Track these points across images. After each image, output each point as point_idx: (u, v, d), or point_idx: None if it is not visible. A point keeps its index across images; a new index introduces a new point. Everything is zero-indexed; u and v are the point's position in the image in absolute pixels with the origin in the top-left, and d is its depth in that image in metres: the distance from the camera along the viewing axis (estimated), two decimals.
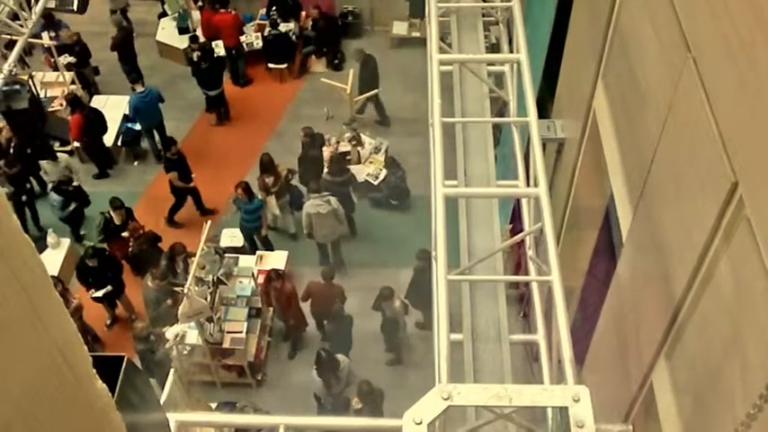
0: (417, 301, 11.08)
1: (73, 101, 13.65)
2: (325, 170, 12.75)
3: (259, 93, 15.85)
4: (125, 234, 11.93)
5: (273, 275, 11.22)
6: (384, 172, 13.62)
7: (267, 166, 12.62)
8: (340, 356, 10.46)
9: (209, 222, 10.86)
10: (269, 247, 12.62)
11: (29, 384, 1.99)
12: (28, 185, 13.14)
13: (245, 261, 11.88)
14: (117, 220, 11.88)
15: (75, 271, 11.69)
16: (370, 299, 11.04)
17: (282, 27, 16.03)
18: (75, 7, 15.90)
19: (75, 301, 10.85)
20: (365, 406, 9.94)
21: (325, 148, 13.61)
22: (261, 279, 11.65)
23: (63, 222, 12.89)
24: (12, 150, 13.11)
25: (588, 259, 7.87)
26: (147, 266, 11.29)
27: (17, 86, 13.53)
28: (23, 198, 12.79)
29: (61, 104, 14.60)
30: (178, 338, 10.37)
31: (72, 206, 12.65)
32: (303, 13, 16.46)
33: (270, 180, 12.52)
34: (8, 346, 1.87)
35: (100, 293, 11.44)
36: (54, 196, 12.59)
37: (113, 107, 14.64)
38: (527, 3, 9.73)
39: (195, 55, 14.38)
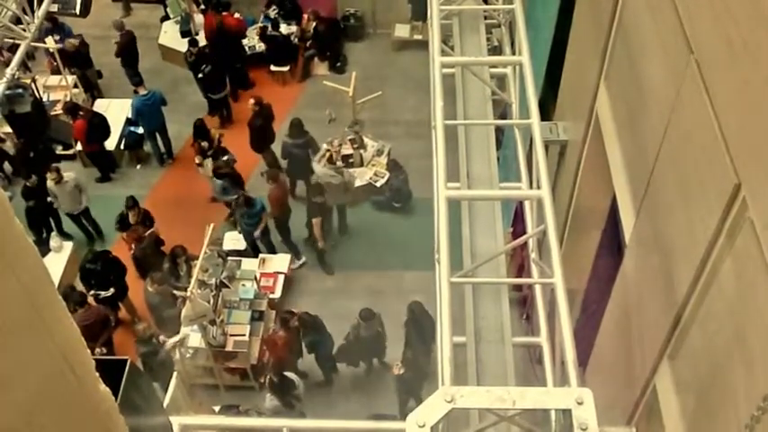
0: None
1: (71, 109, 13.65)
2: (286, 133, 13.17)
3: (261, 96, 15.85)
4: (124, 237, 12.03)
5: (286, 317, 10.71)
6: (386, 175, 13.62)
7: (201, 130, 13.35)
8: (292, 376, 10.21)
9: (212, 225, 10.87)
10: (271, 250, 12.64)
11: (33, 388, 1.99)
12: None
13: (248, 264, 11.90)
14: (131, 219, 11.90)
15: (79, 272, 11.71)
16: (372, 302, 11.02)
17: (284, 29, 16.04)
18: (77, 11, 15.92)
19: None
20: (407, 372, 9.81)
21: (326, 147, 13.73)
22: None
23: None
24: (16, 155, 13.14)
25: (591, 261, 7.87)
26: (150, 270, 11.32)
27: (20, 90, 13.56)
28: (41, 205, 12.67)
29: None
30: (178, 343, 10.37)
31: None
32: (305, 17, 16.47)
33: (205, 144, 13.20)
34: (12, 351, 1.88)
35: (102, 294, 11.45)
36: (216, 182, 12.69)
37: (116, 110, 14.66)
38: (529, 5, 9.72)
39: (192, 57, 14.49)
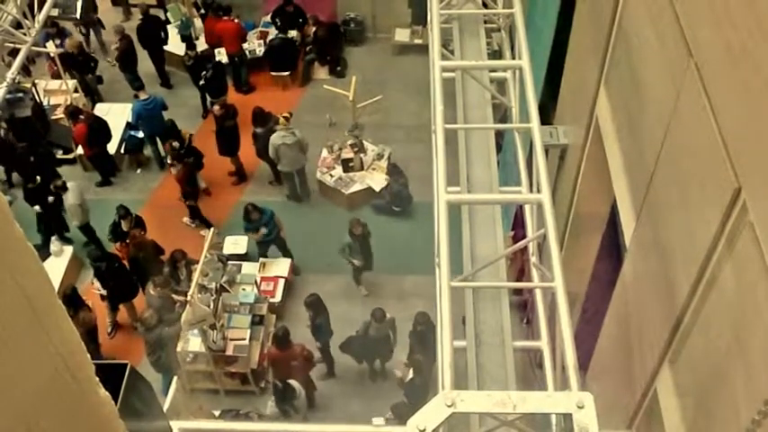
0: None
1: (72, 113, 13.66)
2: (253, 124, 13.50)
3: (262, 100, 15.83)
4: (117, 248, 12.14)
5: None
6: (387, 179, 13.63)
7: (172, 131, 13.70)
8: (295, 384, 10.09)
9: (212, 230, 10.87)
10: (287, 253, 12.64)
11: (33, 393, 1.99)
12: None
13: (248, 268, 11.90)
14: (124, 227, 11.93)
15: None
16: (372, 305, 11.00)
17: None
18: (78, 15, 15.95)
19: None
20: (417, 376, 9.71)
21: (326, 154, 13.76)
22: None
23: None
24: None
25: (592, 265, 7.87)
26: (148, 274, 11.31)
27: (20, 94, 13.60)
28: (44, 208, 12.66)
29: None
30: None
31: None
32: (309, 22, 16.50)
33: (176, 144, 13.30)
34: (12, 356, 1.87)
35: (98, 291, 11.60)
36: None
37: (116, 115, 14.67)
38: (529, 9, 9.74)
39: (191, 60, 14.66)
